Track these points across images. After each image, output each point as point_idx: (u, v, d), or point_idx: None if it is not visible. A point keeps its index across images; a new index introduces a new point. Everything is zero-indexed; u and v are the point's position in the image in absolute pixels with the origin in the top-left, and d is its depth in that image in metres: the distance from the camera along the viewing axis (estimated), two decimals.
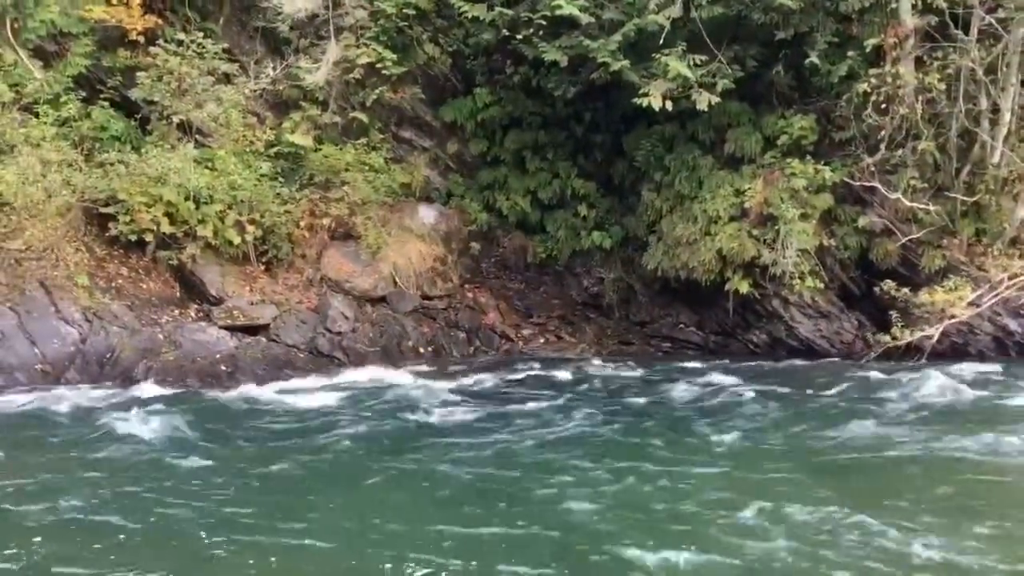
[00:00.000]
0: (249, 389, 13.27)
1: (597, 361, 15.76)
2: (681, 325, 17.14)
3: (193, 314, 15.07)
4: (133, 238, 14.84)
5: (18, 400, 11.95)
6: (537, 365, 15.21)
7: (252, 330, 15.01)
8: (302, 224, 16.12)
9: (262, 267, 15.90)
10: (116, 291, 14.78)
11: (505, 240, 18.27)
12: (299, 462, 9.46)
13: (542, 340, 17.13)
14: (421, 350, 15.99)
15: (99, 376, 13.27)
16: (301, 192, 16.31)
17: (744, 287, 15.31)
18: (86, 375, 13.16)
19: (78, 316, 13.80)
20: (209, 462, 9.48)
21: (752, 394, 12.27)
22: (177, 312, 15.04)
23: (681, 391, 12.87)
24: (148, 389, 12.83)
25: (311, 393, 13.04)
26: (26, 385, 12.72)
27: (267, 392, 13.08)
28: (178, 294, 15.38)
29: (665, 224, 16.29)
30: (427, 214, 17.65)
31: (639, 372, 14.38)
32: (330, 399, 12.58)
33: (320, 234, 16.39)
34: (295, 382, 13.70)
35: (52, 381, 12.97)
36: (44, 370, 13.08)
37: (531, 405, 11.64)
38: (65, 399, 12.01)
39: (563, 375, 14.32)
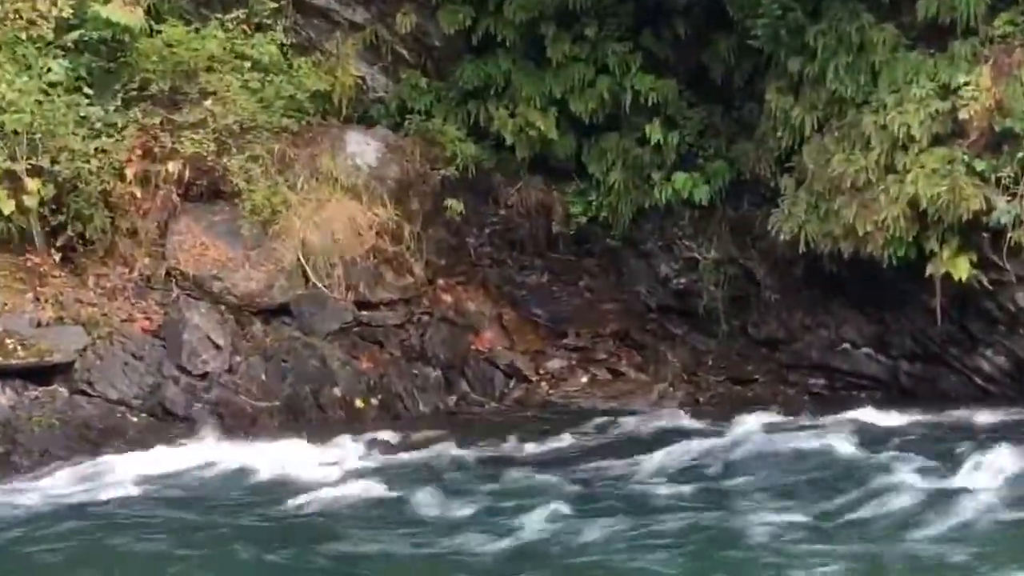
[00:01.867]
0: (38, 482, 13.28)
1: (689, 418, 15.69)
2: (846, 345, 17.12)
3: None
4: None
5: None
6: (573, 432, 15.09)
7: (41, 374, 15.02)
8: (129, 173, 16.09)
9: (57, 256, 15.86)
10: None
11: (510, 193, 18.31)
12: None
13: (584, 379, 17.23)
14: (359, 404, 16.03)
15: None
16: (125, 114, 16.33)
17: (962, 269, 15.22)
18: None
19: None
20: None
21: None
22: None
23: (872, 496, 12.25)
24: None
25: (148, 491, 12.96)
26: None
27: (69, 487, 13.11)
28: None
29: (810, 154, 16.26)
30: (363, 148, 17.64)
31: (774, 443, 14.08)
32: (181, 509, 12.40)
33: (164, 191, 16.39)
34: (123, 465, 13.71)
35: None
36: None
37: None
38: None
39: (625, 453, 14.06)
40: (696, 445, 14.22)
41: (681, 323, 17.97)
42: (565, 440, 14.79)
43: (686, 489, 12.67)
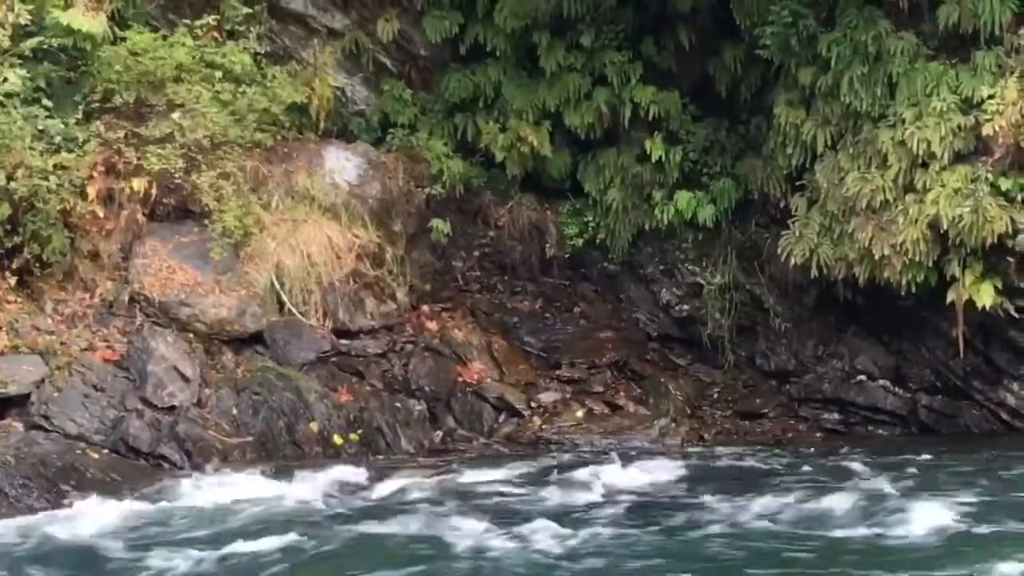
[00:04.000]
0: None
1: (692, 458, 15.69)
2: (861, 377, 17.24)
3: None
4: None
5: None
6: (570, 476, 14.86)
7: None
8: (91, 191, 16.10)
9: (12, 280, 15.84)
10: None
11: (501, 213, 18.35)
12: None
13: (580, 413, 17.13)
14: (337, 440, 15.98)
15: None
16: (87, 127, 16.35)
17: (987, 296, 15.33)
18: None
19: None
20: None
21: None
22: None
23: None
24: None
25: (110, 534, 12.78)
26: None
27: (22, 528, 12.98)
28: None
29: (823, 172, 16.34)
30: (343, 165, 17.69)
31: (785, 494, 13.73)
32: (142, 554, 12.18)
33: (128, 211, 16.41)
34: (82, 506, 13.63)
35: None
36: None
37: None
38: None
39: (621, 503, 13.85)
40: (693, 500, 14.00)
41: (684, 353, 18.05)
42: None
43: None
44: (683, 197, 17.54)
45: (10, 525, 13.10)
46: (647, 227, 17.81)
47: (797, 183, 16.74)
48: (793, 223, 16.47)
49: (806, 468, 14.96)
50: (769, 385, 17.64)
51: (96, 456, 14.76)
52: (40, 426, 14.87)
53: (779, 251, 16.53)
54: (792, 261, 16.32)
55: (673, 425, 16.96)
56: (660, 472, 14.84)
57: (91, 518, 13.26)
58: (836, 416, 17.28)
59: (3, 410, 14.90)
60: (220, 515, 13.47)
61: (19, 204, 15.62)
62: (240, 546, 12.46)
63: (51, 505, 13.75)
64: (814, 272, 16.19)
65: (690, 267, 17.92)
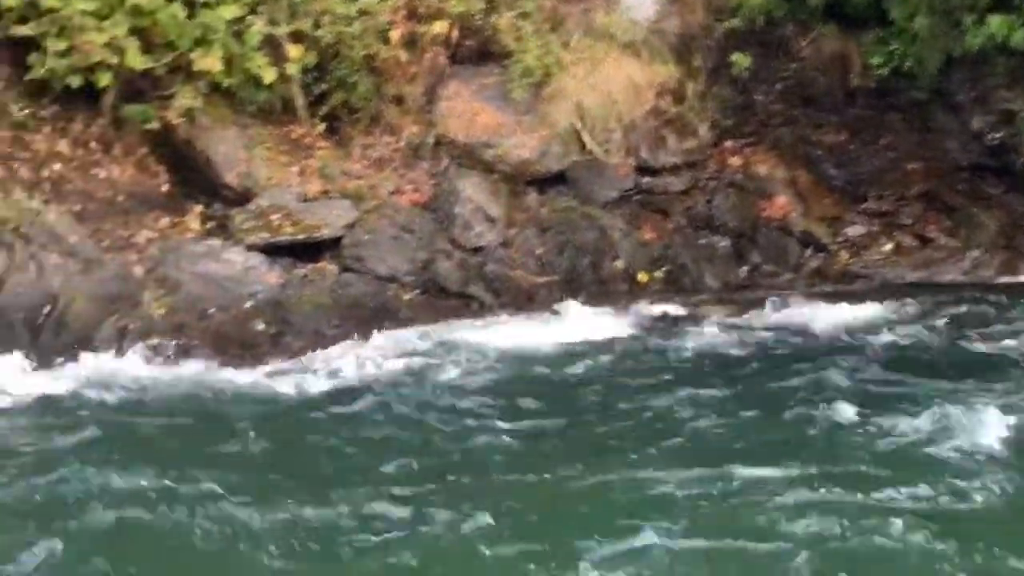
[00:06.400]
0: (314, 364, 13.66)
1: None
2: None
3: (197, 223, 15.49)
4: (76, 83, 15.20)
5: None
6: (885, 314, 15.12)
7: (309, 250, 15.41)
8: (394, 36, 16.35)
9: (321, 127, 16.24)
10: (52, 186, 15.25)
11: (803, 45, 18.14)
12: None
13: (888, 247, 17.06)
14: (642, 277, 16.17)
15: (29, 345, 13.68)
16: None
17: None
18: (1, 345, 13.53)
19: None
20: None
21: None
22: (167, 221, 15.47)
23: None
24: (121, 371, 13.25)
25: (424, 372, 13.29)
26: None
27: (346, 369, 13.49)
28: (165, 187, 15.83)
29: None
30: (641, 1, 17.61)
31: None
32: (462, 387, 12.78)
33: (430, 54, 16.67)
34: (399, 345, 14.07)
35: None
36: None
37: None
38: None
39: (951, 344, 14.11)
40: None
41: (996, 182, 17.64)
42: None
43: None
44: (995, 21, 16.83)
45: (331, 364, 13.61)
46: (955, 55, 17.30)
47: None
48: None
49: None
50: None
51: (407, 297, 15.22)
52: (352, 268, 15.31)
53: None
54: None
55: (987, 256, 16.81)
56: None
57: (405, 359, 13.68)
58: None
59: (317, 253, 15.37)
60: (537, 351, 13.85)
61: (325, 51, 16.00)
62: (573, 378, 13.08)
63: (370, 343, 14.17)
64: None
65: (1003, 93, 17.46)
